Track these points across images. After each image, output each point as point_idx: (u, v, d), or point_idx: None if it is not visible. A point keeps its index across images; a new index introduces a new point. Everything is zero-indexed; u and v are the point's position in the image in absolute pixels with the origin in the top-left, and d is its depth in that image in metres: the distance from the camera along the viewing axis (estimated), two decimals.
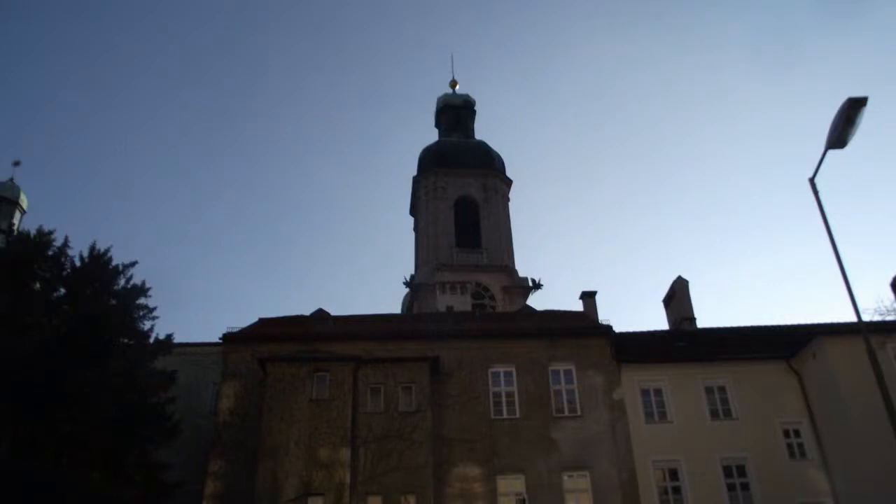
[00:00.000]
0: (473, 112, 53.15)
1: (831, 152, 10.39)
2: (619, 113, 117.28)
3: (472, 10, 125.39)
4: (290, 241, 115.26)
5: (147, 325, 23.69)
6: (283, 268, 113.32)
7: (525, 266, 61.72)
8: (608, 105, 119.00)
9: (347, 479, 21.35)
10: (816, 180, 10.93)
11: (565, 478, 22.56)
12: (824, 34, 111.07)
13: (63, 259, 22.84)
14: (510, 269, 42.58)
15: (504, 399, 23.94)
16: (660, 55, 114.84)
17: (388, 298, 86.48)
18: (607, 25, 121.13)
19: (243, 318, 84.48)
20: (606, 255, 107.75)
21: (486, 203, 45.32)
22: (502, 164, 48.37)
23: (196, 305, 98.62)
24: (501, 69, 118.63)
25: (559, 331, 25.53)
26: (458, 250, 42.98)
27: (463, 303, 37.33)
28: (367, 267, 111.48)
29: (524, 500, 22.18)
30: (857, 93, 9.76)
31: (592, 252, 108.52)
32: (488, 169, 46.82)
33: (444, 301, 37.15)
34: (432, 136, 54.85)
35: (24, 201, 48.72)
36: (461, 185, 46.03)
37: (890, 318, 20.82)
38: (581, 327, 26.41)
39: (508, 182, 47.61)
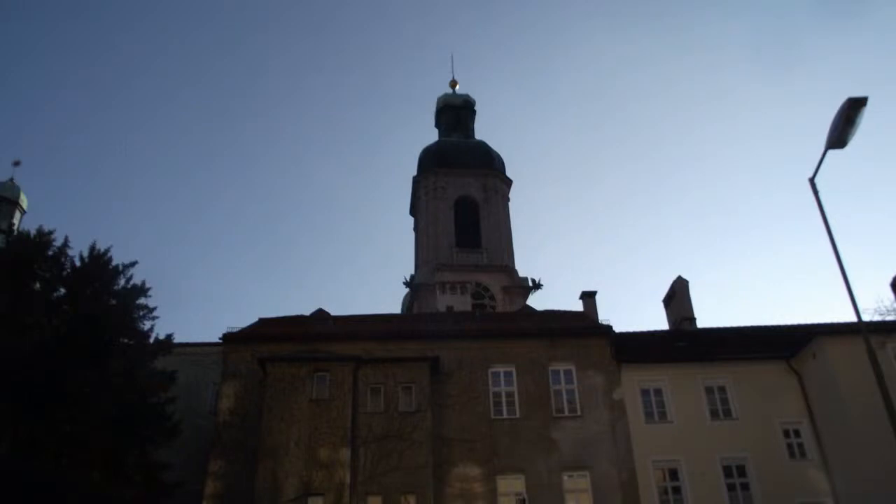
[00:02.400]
0: (473, 112, 53.15)
1: (831, 152, 10.39)
2: (619, 113, 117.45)
3: (472, 10, 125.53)
4: (290, 241, 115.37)
5: (147, 325, 23.72)
6: (283, 268, 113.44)
7: (525, 266, 61.81)
8: (608, 105, 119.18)
9: (347, 479, 21.35)
10: (816, 180, 10.93)
11: (565, 478, 22.56)
12: (824, 34, 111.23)
13: (63, 259, 22.84)
14: (510, 269, 42.59)
15: (504, 399, 23.94)
16: (660, 55, 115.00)
17: (388, 298, 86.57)
18: (607, 25, 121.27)
19: (243, 318, 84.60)
20: (606, 255, 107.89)
21: (486, 203, 45.33)
22: (502, 164, 48.37)
23: (196, 305, 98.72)
24: (501, 69, 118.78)
25: (559, 331, 25.53)
26: (458, 250, 43.00)
27: (463, 303, 37.34)
28: (367, 267, 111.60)
29: (524, 500, 22.18)
30: (857, 93, 9.77)
31: (592, 252, 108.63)
32: (488, 169, 46.82)
33: (444, 301, 37.15)
34: (432, 136, 54.93)
35: (24, 201, 48.73)
36: (461, 185, 46.04)
37: (890, 318, 20.83)
38: (581, 327, 26.41)
39: (508, 182, 47.62)
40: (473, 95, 53.97)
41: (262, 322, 26.56)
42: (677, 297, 31.55)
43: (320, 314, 27.34)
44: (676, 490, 22.49)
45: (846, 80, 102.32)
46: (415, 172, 47.95)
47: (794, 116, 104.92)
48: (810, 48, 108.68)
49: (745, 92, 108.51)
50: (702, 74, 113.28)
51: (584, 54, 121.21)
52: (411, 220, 51.15)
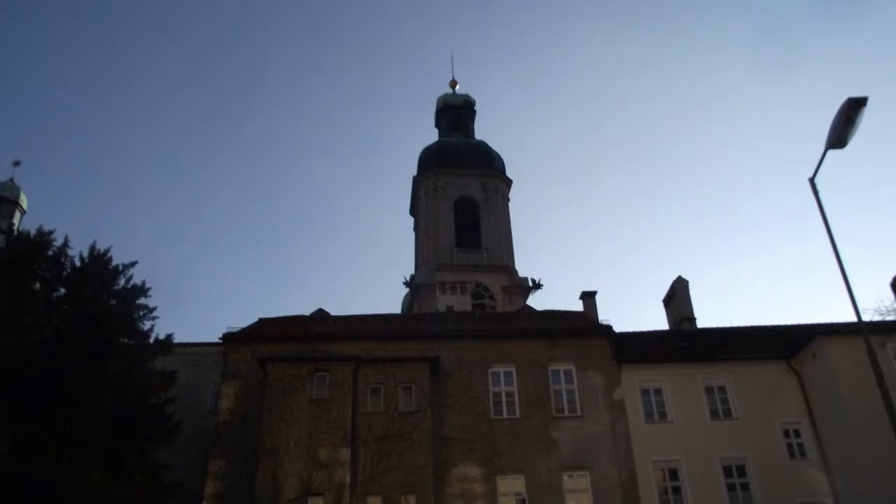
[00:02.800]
0: (473, 112, 53.12)
1: (831, 152, 10.38)
2: (619, 113, 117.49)
3: (472, 10, 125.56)
4: (290, 241, 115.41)
5: (147, 325, 23.70)
6: (283, 268, 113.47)
7: (525, 266, 61.80)
8: (608, 105, 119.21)
9: (347, 479, 21.35)
10: (816, 180, 10.92)
11: (565, 478, 22.56)
12: (824, 34, 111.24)
13: (63, 259, 22.83)
14: (510, 269, 42.58)
15: (504, 399, 23.93)
16: (660, 55, 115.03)
17: (388, 298, 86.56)
18: (607, 25, 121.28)
19: (243, 318, 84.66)
20: (606, 255, 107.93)
21: (486, 203, 45.32)
22: (502, 163, 48.35)
23: (196, 305, 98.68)
24: (501, 69, 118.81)
25: (559, 331, 25.52)
26: (458, 250, 42.97)
27: (463, 303, 37.32)
28: (367, 267, 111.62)
29: (524, 500, 22.17)
30: (857, 93, 9.76)
31: (592, 252, 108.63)
32: (488, 169, 46.80)
33: (444, 301, 37.14)
34: (432, 136, 54.94)
35: (24, 201, 48.71)
36: (461, 186, 46.00)
37: (890, 318, 20.82)
38: (581, 327, 26.40)
39: (508, 182, 47.59)
40: (473, 95, 54.00)
41: (262, 322, 26.55)
42: (677, 297, 31.55)
43: (320, 314, 27.34)
44: (676, 490, 22.49)
45: (846, 80, 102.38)
46: (415, 172, 47.95)
47: (794, 116, 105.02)
48: (810, 48, 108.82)
49: (745, 92, 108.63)
50: (702, 74, 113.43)
51: (584, 54, 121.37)
52: (411, 220, 51.14)
